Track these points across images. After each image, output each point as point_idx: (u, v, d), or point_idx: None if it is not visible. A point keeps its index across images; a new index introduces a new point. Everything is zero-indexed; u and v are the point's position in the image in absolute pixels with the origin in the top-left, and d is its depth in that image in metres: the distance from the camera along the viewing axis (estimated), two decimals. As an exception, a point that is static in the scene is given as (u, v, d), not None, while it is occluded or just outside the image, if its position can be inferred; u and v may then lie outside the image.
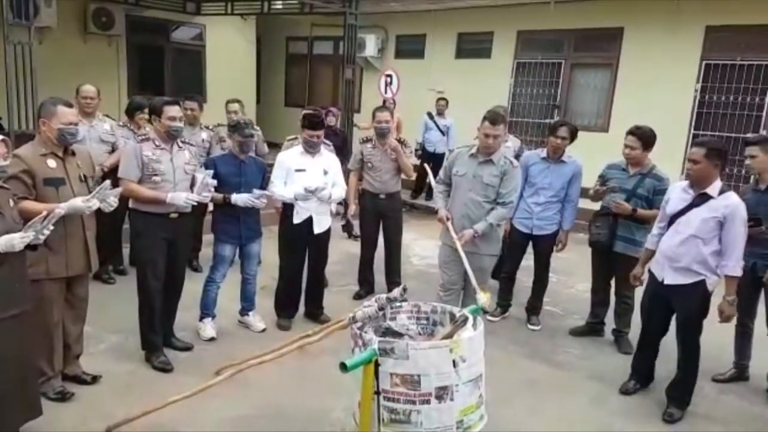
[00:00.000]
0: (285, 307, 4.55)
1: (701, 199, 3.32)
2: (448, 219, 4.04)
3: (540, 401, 3.64)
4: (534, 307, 4.88)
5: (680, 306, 3.46)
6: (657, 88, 8.04)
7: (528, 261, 4.87)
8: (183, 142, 3.80)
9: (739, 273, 3.30)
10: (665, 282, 3.46)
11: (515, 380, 3.84)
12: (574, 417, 3.51)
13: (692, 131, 7.86)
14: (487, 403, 2.62)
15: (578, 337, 4.63)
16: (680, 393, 3.54)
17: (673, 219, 3.45)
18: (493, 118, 3.95)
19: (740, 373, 3.99)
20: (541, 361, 4.22)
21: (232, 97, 6.09)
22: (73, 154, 3.22)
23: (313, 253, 4.51)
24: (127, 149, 3.68)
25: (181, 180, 3.68)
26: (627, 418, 3.51)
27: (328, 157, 4.48)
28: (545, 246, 4.70)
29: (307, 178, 4.23)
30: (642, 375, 3.80)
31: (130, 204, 3.72)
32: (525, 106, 9.55)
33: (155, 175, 3.57)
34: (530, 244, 4.76)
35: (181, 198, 3.58)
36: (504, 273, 4.92)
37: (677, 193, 3.49)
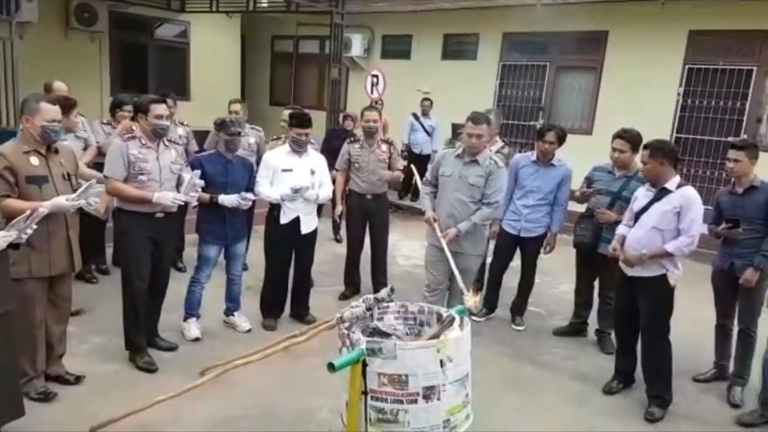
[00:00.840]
0: (271, 308, 4.53)
1: (661, 193, 3.51)
2: (435, 220, 4.06)
3: (525, 401, 3.68)
4: (519, 308, 4.91)
5: (644, 299, 3.56)
6: (640, 91, 8.15)
7: (513, 262, 4.91)
8: (169, 140, 3.77)
9: (675, 252, 3.41)
10: (629, 274, 3.59)
11: (500, 380, 3.88)
12: (558, 416, 3.55)
13: (674, 134, 7.98)
14: (473, 403, 2.64)
15: (562, 338, 4.68)
16: (658, 391, 3.60)
17: (638, 215, 3.60)
18: (475, 117, 3.98)
19: (720, 373, 4.05)
20: (526, 361, 4.26)
21: (220, 94, 6.10)
22: (57, 151, 3.17)
23: (300, 253, 4.49)
24: (112, 147, 3.63)
25: (167, 179, 3.64)
26: (610, 418, 3.56)
27: (314, 156, 4.46)
28: (533, 248, 4.73)
29: (295, 177, 4.21)
30: (624, 374, 3.85)
31: (115, 203, 3.67)
32: (510, 108, 9.60)
33: (141, 174, 3.54)
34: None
35: (168, 198, 3.55)
36: (491, 274, 4.95)
37: (642, 192, 3.68)
